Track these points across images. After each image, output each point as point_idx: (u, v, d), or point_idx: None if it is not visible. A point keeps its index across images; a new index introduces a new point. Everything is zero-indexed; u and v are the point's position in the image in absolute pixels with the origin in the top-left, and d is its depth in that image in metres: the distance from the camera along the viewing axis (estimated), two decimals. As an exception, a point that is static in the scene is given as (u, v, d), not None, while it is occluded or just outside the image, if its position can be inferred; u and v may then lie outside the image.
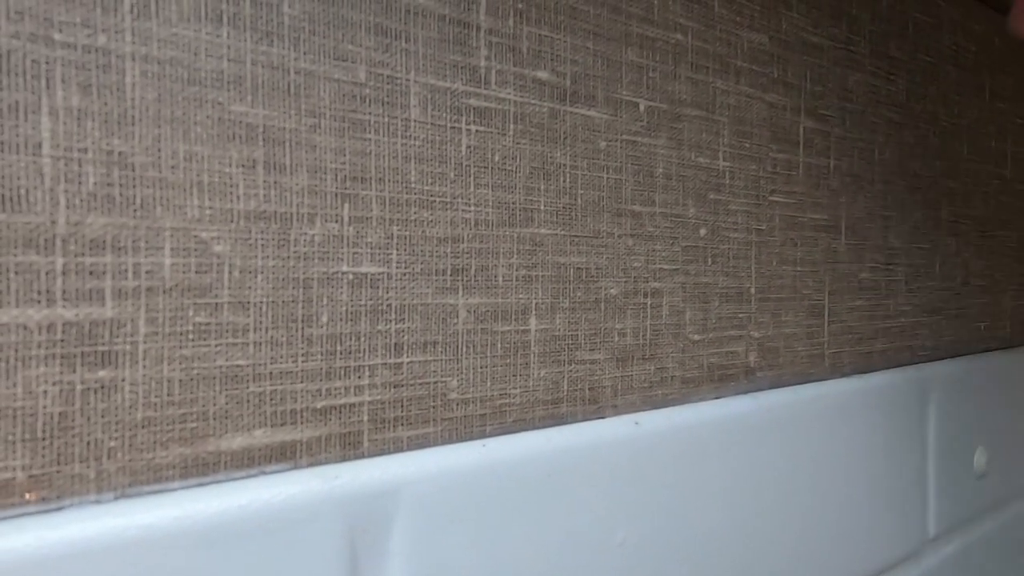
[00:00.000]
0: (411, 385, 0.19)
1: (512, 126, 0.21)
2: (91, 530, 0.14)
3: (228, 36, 0.16)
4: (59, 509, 0.15)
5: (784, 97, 0.29)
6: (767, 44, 0.28)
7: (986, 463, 0.40)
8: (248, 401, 0.17)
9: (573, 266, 0.23)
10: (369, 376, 0.18)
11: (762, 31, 0.28)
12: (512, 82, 0.21)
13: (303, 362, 0.17)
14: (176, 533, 0.15)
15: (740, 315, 0.28)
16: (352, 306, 0.18)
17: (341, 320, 0.18)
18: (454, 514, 0.19)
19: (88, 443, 0.15)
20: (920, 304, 0.37)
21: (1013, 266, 0.45)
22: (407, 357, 0.19)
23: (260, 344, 0.17)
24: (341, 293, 0.18)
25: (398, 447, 0.19)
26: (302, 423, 0.17)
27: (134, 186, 0.15)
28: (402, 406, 0.19)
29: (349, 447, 0.18)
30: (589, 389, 0.23)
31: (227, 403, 0.16)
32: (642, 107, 0.24)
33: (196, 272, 0.16)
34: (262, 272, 0.17)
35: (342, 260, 0.18)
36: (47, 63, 0.14)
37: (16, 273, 0.14)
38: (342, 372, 0.18)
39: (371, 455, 0.18)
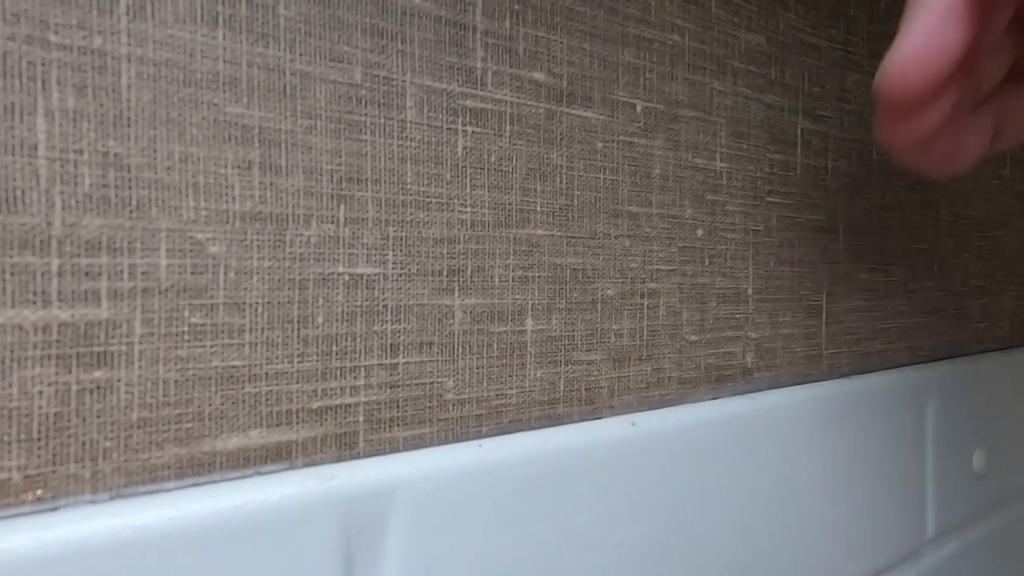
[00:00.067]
0: (407, 386, 0.19)
1: (508, 127, 0.21)
2: (86, 530, 0.14)
3: (224, 38, 0.16)
4: (54, 509, 0.15)
5: (782, 98, 0.29)
6: (764, 45, 0.28)
7: (985, 464, 0.40)
8: (244, 402, 0.17)
9: (569, 267, 0.23)
10: (365, 377, 0.18)
11: (759, 32, 0.28)
12: (508, 83, 0.21)
13: (299, 363, 0.17)
14: (171, 533, 0.15)
15: (737, 316, 0.28)
16: (348, 307, 0.18)
17: (337, 321, 0.18)
18: (450, 515, 0.19)
19: (84, 443, 0.15)
20: (919, 305, 0.37)
21: (1012, 266, 0.44)
22: (403, 358, 0.19)
23: (256, 345, 0.17)
24: (337, 294, 0.18)
25: (394, 447, 0.19)
26: (298, 424, 0.17)
27: (130, 187, 0.15)
28: (398, 406, 0.19)
29: (345, 447, 0.18)
30: (586, 390, 0.23)
31: (223, 404, 0.16)
32: (639, 108, 0.24)
33: (192, 273, 0.16)
34: (258, 273, 0.17)
35: (338, 261, 0.18)
36: (43, 65, 0.14)
37: (12, 274, 0.14)
38: (338, 373, 0.18)
39: (367, 455, 0.18)
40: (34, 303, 0.14)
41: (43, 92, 0.14)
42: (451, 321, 0.20)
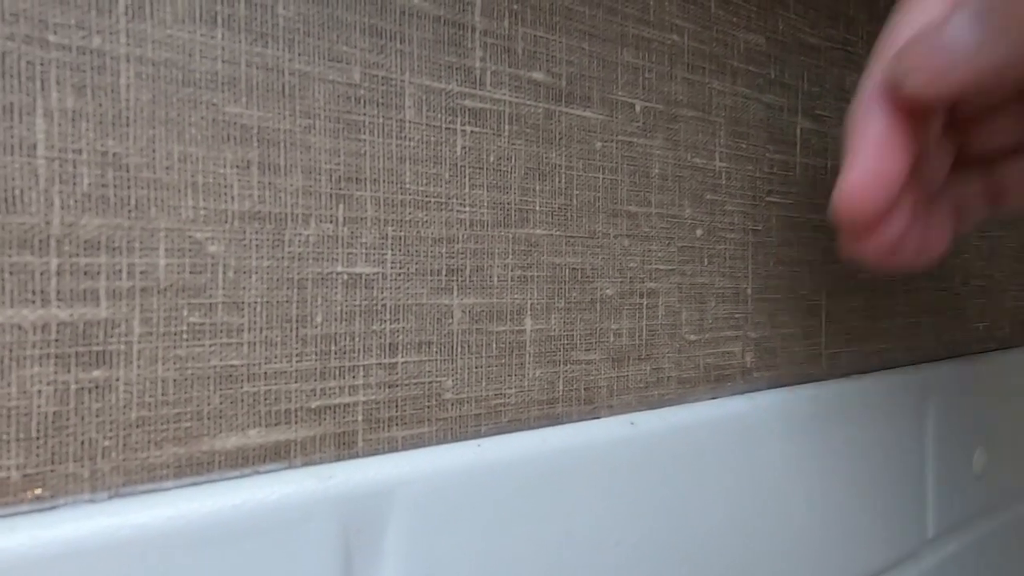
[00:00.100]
0: (406, 385, 0.19)
1: (507, 127, 0.21)
2: (85, 529, 0.14)
3: (222, 38, 0.16)
4: (53, 508, 0.15)
5: (781, 98, 0.29)
6: (764, 45, 0.28)
7: (985, 463, 0.40)
8: (242, 401, 0.17)
9: (568, 266, 0.23)
10: (364, 376, 0.19)
11: (759, 32, 0.28)
12: (507, 83, 0.21)
13: (297, 362, 0.18)
14: (170, 532, 0.15)
15: (737, 315, 0.28)
16: (347, 306, 0.18)
17: (336, 320, 0.18)
18: (449, 514, 0.19)
19: (82, 442, 0.15)
20: (919, 304, 0.37)
21: (1013, 266, 0.44)
22: (402, 357, 0.19)
23: (254, 344, 0.17)
24: (336, 293, 0.18)
25: (393, 447, 0.19)
26: (296, 423, 0.18)
27: (128, 187, 0.15)
28: (397, 406, 0.19)
29: (343, 447, 0.18)
30: (585, 389, 0.23)
31: (221, 403, 0.16)
32: (638, 108, 0.24)
33: (190, 272, 0.16)
34: (256, 272, 0.17)
35: (337, 260, 0.18)
36: (42, 65, 0.14)
37: (11, 273, 0.14)
38: (336, 372, 0.18)
39: (365, 455, 0.18)
40: (33, 302, 0.14)
41: (42, 92, 0.14)
42: (450, 320, 0.20)
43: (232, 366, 0.17)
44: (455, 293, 0.20)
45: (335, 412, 0.18)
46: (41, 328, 0.15)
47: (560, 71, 0.22)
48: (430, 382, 0.20)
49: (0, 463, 0.14)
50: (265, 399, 0.17)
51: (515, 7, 0.21)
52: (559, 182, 0.22)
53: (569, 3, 0.22)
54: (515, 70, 0.21)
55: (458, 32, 0.20)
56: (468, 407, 0.20)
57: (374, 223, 0.19)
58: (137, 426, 0.15)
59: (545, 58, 0.22)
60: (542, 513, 0.21)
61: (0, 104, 0.14)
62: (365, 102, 0.18)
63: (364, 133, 0.18)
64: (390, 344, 0.19)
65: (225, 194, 0.17)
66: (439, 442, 0.20)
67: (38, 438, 0.14)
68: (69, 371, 0.15)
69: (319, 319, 0.18)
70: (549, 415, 0.22)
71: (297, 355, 0.18)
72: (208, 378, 0.16)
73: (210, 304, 0.16)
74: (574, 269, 0.23)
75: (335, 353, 0.18)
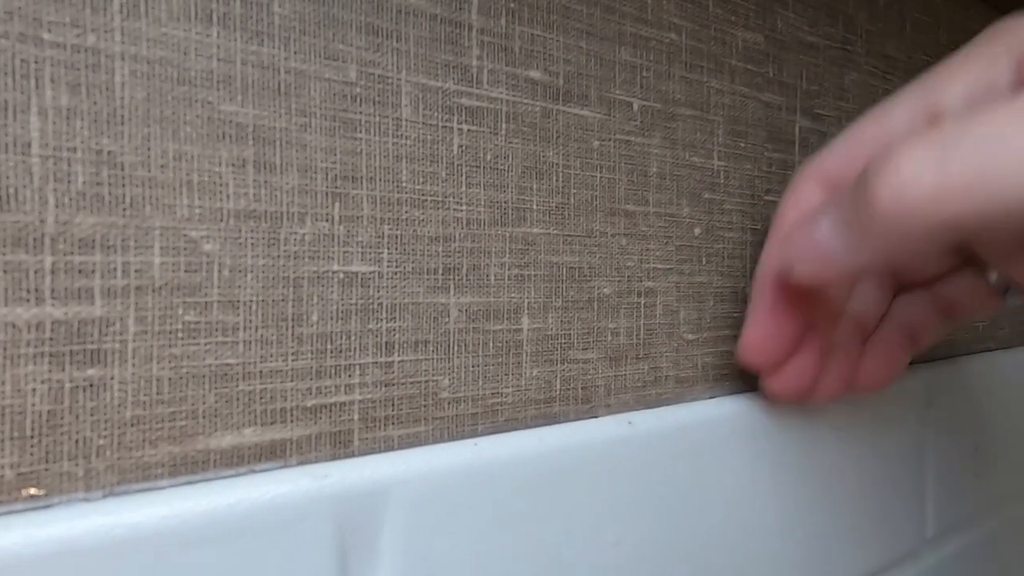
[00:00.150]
0: (402, 384, 0.19)
1: (504, 125, 0.21)
2: (79, 528, 0.14)
3: (218, 36, 0.16)
4: (47, 507, 0.15)
5: (779, 96, 0.29)
6: (762, 43, 0.28)
7: (985, 464, 0.40)
8: (238, 400, 0.17)
9: (566, 265, 0.23)
10: (360, 375, 0.18)
11: (757, 30, 0.28)
12: (504, 81, 0.21)
13: (293, 361, 0.17)
14: (164, 531, 0.15)
15: (735, 315, 0.28)
16: (343, 305, 0.18)
17: (331, 319, 0.18)
18: (445, 513, 0.19)
19: (77, 441, 0.15)
20: (918, 304, 0.37)
21: (1013, 266, 0.44)
22: (398, 356, 0.19)
23: (250, 343, 0.17)
24: (331, 292, 0.18)
25: (389, 446, 0.19)
26: (292, 422, 0.17)
27: (123, 185, 0.15)
28: (393, 405, 0.19)
29: (339, 446, 0.18)
30: (582, 388, 0.23)
31: (216, 402, 0.16)
32: (636, 106, 0.24)
33: (185, 271, 0.16)
34: (252, 271, 0.17)
35: (332, 259, 0.18)
36: (36, 62, 0.14)
37: (5, 272, 0.14)
38: (332, 371, 0.18)
39: (361, 454, 0.18)
40: (27, 301, 0.14)
41: (36, 90, 0.14)
42: (446, 319, 0.20)
43: (227, 365, 0.17)
44: (452, 292, 0.20)
45: (331, 411, 0.18)
46: (35, 326, 0.14)
47: (557, 70, 0.22)
48: (426, 381, 0.20)
49: (-6, 462, 0.14)
50: (261, 398, 0.17)
51: (512, 5, 0.21)
52: (556, 181, 0.22)
53: (566, 1, 0.22)
54: (512, 69, 0.21)
55: (455, 30, 0.20)
56: (465, 406, 0.20)
57: (370, 222, 0.19)
58: (132, 425, 0.15)
59: (542, 57, 0.22)
60: (539, 513, 0.21)
61: (-6, 102, 0.14)
62: (361, 100, 0.18)
63: (360, 131, 0.18)
64: (386, 343, 0.19)
65: (220, 192, 0.16)
66: (435, 441, 0.20)
67: (32, 437, 0.14)
68: (64, 370, 0.15)
69: (315, 318, 0.18)
70: (546, 414, 0.22)
71: (293, 354, 0.17)
72: (203, 377, 0.16)
73: (205, 303, 0.16)
74: (571, 268, 0.23)
75: (331, 352, 0.18)
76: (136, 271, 0.16)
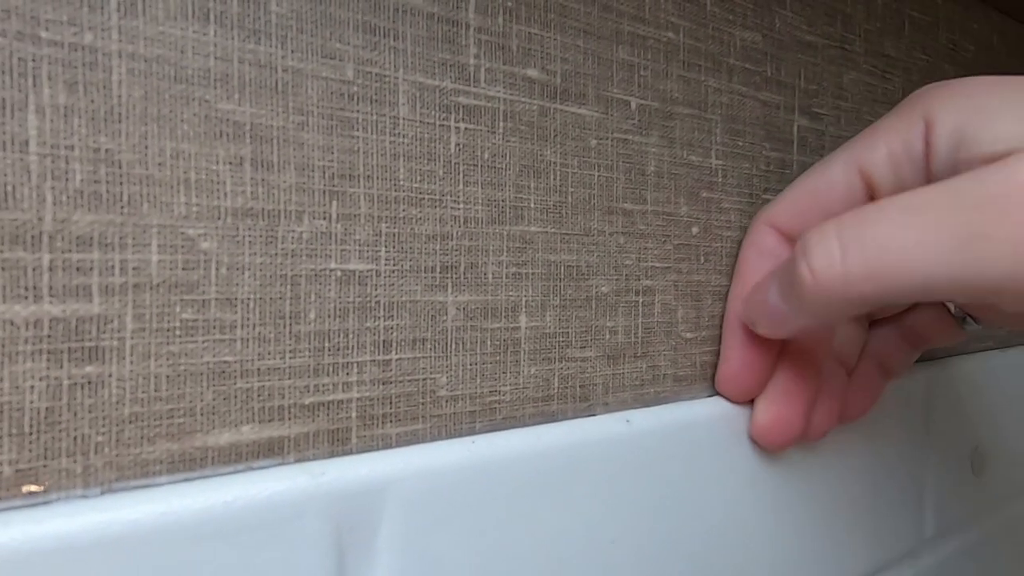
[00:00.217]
0: (400, 382, 0.19)
1: (502, 124, 0.21)
2: (77, 525, 0.14)
3: (215, 34, 0.16)
4: (46, 504, 0.15)
5: (778, 95, 0.29)
6: (760, 42, 0.28)
7: (985, 464, 0.40)
8: (235, 397, 0.17)
9: (564, 264, 0.23)
10: (357, 373, 0.19)
11: (755, 29, 0.28)
12: (502, 80, 0.21)
13: (291, 359, 0.18)
14: (162, 528, 0.15)
15: (733, 313, 0.28)
16: (340, 303, 0.18)
17: (329, 317, 0.18)
18: (442, 511, 0.19)
19: (75, 438, 0.15)
20: (917, 303, 0.37)
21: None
22: (396, 354, 0.19)
23: (247, 340, 0.17)
24: (329, 290, 0.18)
25: (386, 444, 0.19)
26: (290, 419, 0.18)
27: (121, 183, 0.15)
28: (391, 403, 0.19)
29: (337, 443, 0.18)
30: (580, 387, 0.23)
31: (214, 399, 0.16)
32: (633, 105, 0.24)
33: (183, 269, 0.16)
34: (249, 269, 0.17)
35: (330, 257, 0.18)
36: (34, 61, 0.14)
37: (3, 269, 0.14)
38: (330, 369, 0.18)
39: (359, 452, 0.18)
40: (25, 298, 0.14)
41: (34, 88, 0.14)
42: (444, 318, 0.20)
43: (225, 362, 0.17)
44: (449, 290, 0.20)
45: (329, 409, 0.18)
46: (33, 324, 0.15)
47: (555, 68, 0.22)
48: (424, 379, 0.20)
49: (-8, 458, 0.14)
50: (258, 395, 0.17)
51: (509, 4, 0.21)
52: (554, 179, 0.22)
53: (564, 0, 0.22)
54: (510, 67, 0.21)
55: (452, 29, 0.20)
56: (462, 404, 0.20)
57: (368, 220, 0.19)
58: (130, 422, 0.16)
59: (540, 55, 0.22)
60: (537, 511, 0.21)
61: (-8, 100, 0.14)
62: (359, 99, 0.18)
63: (358, 130, 0.18)
64: (384, 341, 0.19)
65: (218, 190, 0.17)
66: (433, 439, 0.20)
67: (31, 434, 0.15)
68: (62, 367, 0.15)
69: (312, 316, 0.18)
70: (544, 412, 0.22)
71: (290, 352, 0.18)
72: (201, 374, 0.16)
73: (203, 300, 0.16)
74: (569, 266, 0.23)
75: (329, 350, 0.18)
76: (134, 269, 0.16)
